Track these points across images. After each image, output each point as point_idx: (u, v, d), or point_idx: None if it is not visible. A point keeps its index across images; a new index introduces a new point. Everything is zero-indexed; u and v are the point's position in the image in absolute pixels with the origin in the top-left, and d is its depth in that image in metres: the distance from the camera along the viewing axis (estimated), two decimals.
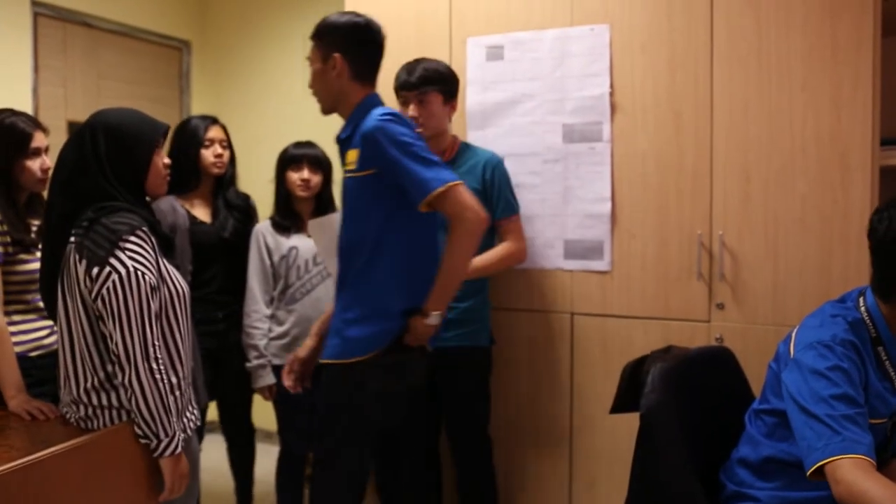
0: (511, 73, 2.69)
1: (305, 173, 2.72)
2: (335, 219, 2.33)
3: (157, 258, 1.73)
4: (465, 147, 2.56)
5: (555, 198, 2.63)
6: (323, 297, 2.68)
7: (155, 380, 1.64)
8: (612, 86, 2.55)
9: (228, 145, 2.83)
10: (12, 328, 2.08)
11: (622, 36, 2.54)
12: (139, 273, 1.63)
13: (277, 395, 2.74)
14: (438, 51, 2.79)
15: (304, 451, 2.84)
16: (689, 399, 1.76)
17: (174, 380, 1.77)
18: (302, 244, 2.73)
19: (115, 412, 1.74)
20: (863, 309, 1.59)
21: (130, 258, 1.64)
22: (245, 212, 2.87)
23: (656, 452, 1.59)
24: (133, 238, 1.66)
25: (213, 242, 2.72)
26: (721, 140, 2.42)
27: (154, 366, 1.64)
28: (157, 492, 1.76)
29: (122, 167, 1.77)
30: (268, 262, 2.73)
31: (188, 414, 1.86)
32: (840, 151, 2.28)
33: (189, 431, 1.84)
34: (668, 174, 2.49)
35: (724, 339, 2.40)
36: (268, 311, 2.74)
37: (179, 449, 1.70)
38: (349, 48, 2.05)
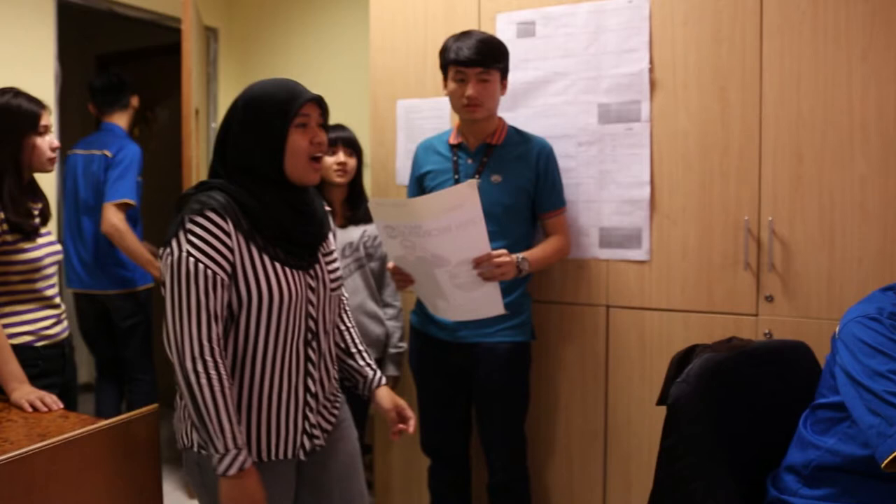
0: (543, 50, 2.53)
1: (342, 156, 2.52)
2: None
3: (240, 249, 1.48)
4: (515, 131, 2.37)
5: (589, 182, 2.46)
6: (351, 292, 2.51)
7: (200, 383, 1.41)
8: (651, 62, 2.37)
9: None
10: (16, 318, 2.02)
11: (662, 8, 2.36)
12: (191, 260, 1.43)
13: None
14: (467, 27, 2.65)
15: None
16: (738, 395, 1.60)
17: (246, 394, 1.53)
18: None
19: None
20: None
21: (189, 241, 1.44)
22: None
23: (680, 447, 1.43)
24: (199, 219, 1.45)
25: None
26: (770, 118, 2.23)
27: (200, 367, 1.41)
28: (155, 491, 1.68)
29: (250, 144, 1.54)
30: None
31: (274, 438, 1.57)
32: None
33: (271, 457, 1.56)
34: (712, 156, 2.30)
35: (774, 335, 2.21)
36: None
37: (235, 471, 1.42)
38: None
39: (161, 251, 1.49)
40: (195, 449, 1.54)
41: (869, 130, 2.11)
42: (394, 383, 2.64)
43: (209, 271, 1.43)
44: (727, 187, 2.29)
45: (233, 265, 1.47)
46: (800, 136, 2.19)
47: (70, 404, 2.13)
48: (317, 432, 1.64)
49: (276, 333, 1.53)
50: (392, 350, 2.64)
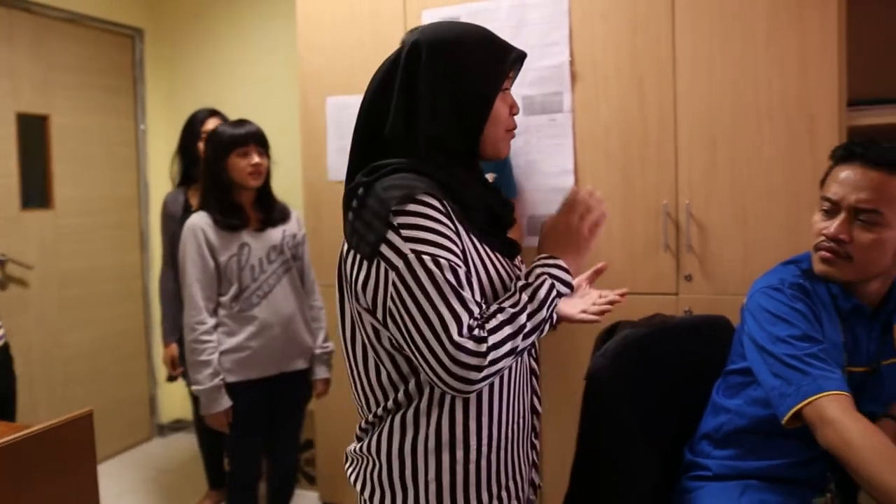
0: None
1: (255, 157, 2.31)
2: None
3: (461, 239, 1.11)
4: None
5: (517, 173, 2.53)
6: (283, 299, 2.39)
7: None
8: (571, 55, 2.46)
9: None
10: None
11: (581, 2, 2.45)
12: (426, 259, 1.05)
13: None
14: (393, 25, 2.70)
15: (257, 480, 2.50)
16: (657, 369, 1.68)
17: (487, 438, 1.18)
18: (253, 240, 2.35)
19: (374, 475, 1.19)
20: None
21: (409, 238, 1.06)
22: None
23: (597, 419, 1.51)
24: (412, 206, 1.07)
25: None
26: (685, 107, 2.34)
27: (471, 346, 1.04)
28: (92, 494, 1.67)
29: (448, 110, 1.17)
30: (212, 263, 2.30)
31: (503, 492, 1.21)
32: (807, 114, 2.21)
33: None
34: (631, 144, 2.41)
35: (694, 312, 2.33)
36: (213, 322, 2.33)
37: None
38: None
39: (354, 272, 1.12)
40: None
41: (774, 117, 2.24)
42: (325, 386, 2.57)
43: (453, 265, 1.05)
44: (646, 174, 2.39)
45: (463, 260, 1.09)
46: (712, 124, 2.31)
47: (7, 414, 2.08)
48: (535, 475, 1.35)
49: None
50: (319, 351, 2.53)
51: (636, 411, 1.57)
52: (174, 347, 2.88)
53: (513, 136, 1.26)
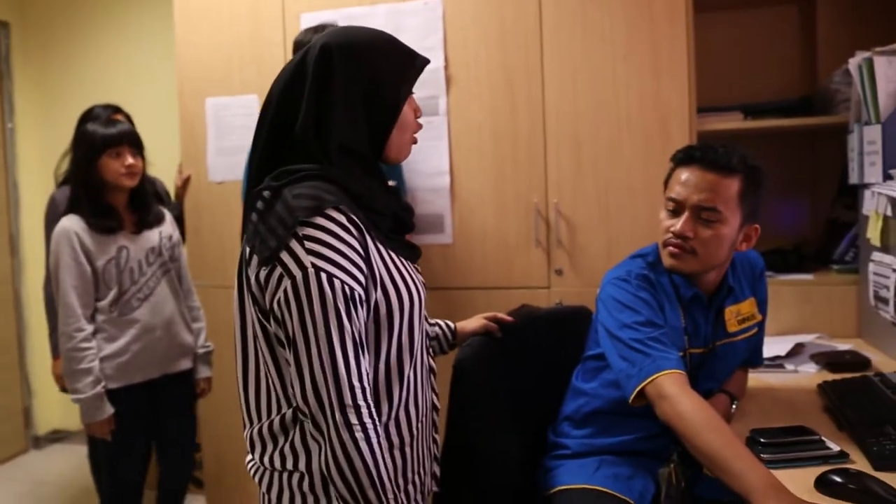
0: None
1: (129, 158, 2.26)
2: None
3: (368, 252, 1.14)
4: None
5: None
6: (163, 301, 2.38)
7: (356, 441, 1.05)
8: (446, 59, 2.56)
9: None
10: None
11: (454, 9, 2.55)
12: (323, 276, 1.06)
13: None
14: (272, 28, 2.72)
15: (143, 478, 2.46)
16: (522, 357, 1.79)
17: (396, 438, 1.22)
18: (131, 243, 2.32)
19: (293, 484, 1.17)
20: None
21: (311, 252, 1.07)
22: (156, 197, 2.63)
23: (462, 406, 1.60)
24: (320, 220, 1.08)
25: None
26: (552, 110, 2.48)
27: (354, 419, 1.06)
28: None
29: (359, 115, 1.18)
30: (88, 268, 2.23)
31: (410, 486, 1.26)
32: (661, 119, 2.39)
33: None
34: (503, 145, 2.53)
35: (564, 303, 2.47)
36: (91, 328, 2.26)
37: None
38: None
39: (259, 271, 1.11)
40: None
41: (632, 119, 2.42)
42: (208, 384, 2.57)
43: (346, 288, 1.07)
44: (518, 173, 2.52)
45: (366, 275, 1.12)
46: (577, 126, 2.46)
47: None
48: (436, 467, 1.39)
49: (413, 348, 1.23)
50: (201, 350, 2.53)
51: (501, 397, 1.67)
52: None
53: (415, 142, 1.29)
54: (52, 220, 2.61)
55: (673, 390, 1.39)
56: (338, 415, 1.05)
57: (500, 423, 1.65)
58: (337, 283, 1.06)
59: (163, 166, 3.01)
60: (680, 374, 1.43)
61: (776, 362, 2.01)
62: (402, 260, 1.23)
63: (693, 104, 2.38)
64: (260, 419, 1.21)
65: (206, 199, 2.87)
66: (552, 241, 2.50)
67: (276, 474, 1.19)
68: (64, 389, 2.68)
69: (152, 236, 2.38)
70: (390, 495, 1.08)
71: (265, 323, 1.14)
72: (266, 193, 1.14)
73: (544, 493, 1.68)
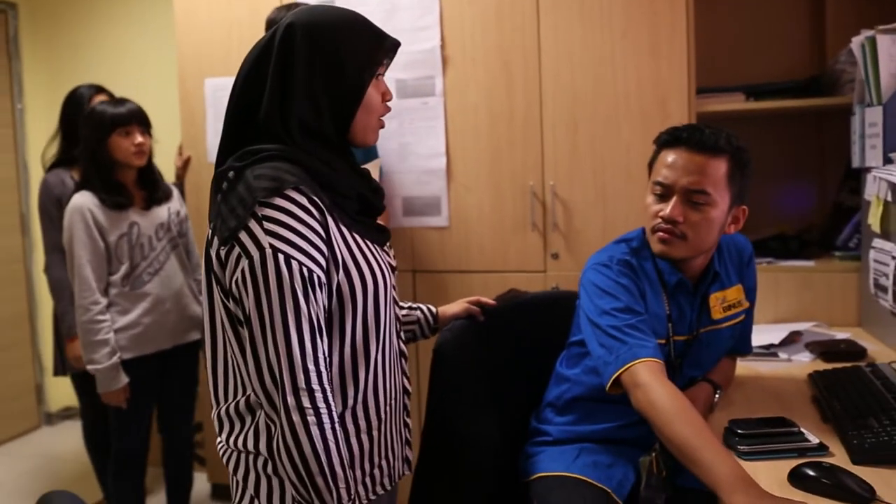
0: None
1: (138, 136, 2.32)
2: None
3: (331, 233, 1.13)
4: None
5: (391, 154, 2.59)
6: (173, 275, 2.45)
7: (307, 425, 1.04)
8: (442, 39, 2.52)
9: None
10: None
11: None
12: (280, 258, 1.05)
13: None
14: (270, 6, 2.69)
15: (144, 454, 2.54)
16: (506, 342, 1.78)
17: (364, 422, 1.21)
18: (141, 219, 2.38)
19: (258, 466, 1.17)
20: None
21: (269, 232, 1.06)
22: None
23: (443, 390, 1.59)
24: (278, 201, 1.07)
25: None
26: (549, 91, 2.44)
27: (307, 402, 1.05)
28: None
29: (321, 95, 1.17)
30: (102, 243, 2.30)
31: (376, 470, 1.26)
32: (660, 99, 2.34)
33: (371, 496, 1.24)
34: (499, 127, 2.49)
35: (560, 288, 2.44)
36: (105, 301, 2.33)
37: None
38: None
39: (220, 251, 1.11)
40: None
41: (631, 101, 2.37)
42: None
43: (304, 269, 1.07)
44: (514, 156, 2.49)
45: (327, 257, 1.11)
46: (575, 107, 2.42)
47: None
48: (409, 451, 1.38)
49: (380, 332, 1.22)
50: None
51: (483, 381, 1.66)
52: None
53: (382, 125, 1.27)
54: (45, 202, 2.65)
55: (647, 378, 1.36)
56: (290, 397, 1.04)
57: (480, 406, 1.63)
58: (294, 264, 1.06)
59: (165, 147, 3.01)
60: (656, 362, 1.40)
61: (769, 350, 1.97)
62: (368, 242, 1.21)
63: (693, 84, 2.32)
64: (227, 399, 1.21)
65: (206, 179, 2.87)
66: (548, 224, 2.47)
67: (241, 455, 1.19)
68: (76, 373, 2.68)
69: (161, 212, 2.45)
70: (341, 484, 1.07)
71: (226, 303, 1.14)
72: (230, 174, 1.13)
73: (524, 479, 1.67)
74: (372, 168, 2.14)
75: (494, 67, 2.48)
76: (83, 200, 2.30)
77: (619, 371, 1.41)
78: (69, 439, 3.90)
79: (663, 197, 1.56)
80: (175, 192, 2.55)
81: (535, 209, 2.47)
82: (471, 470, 1.59)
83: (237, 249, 1.07)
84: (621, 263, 1.58)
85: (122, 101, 2.39)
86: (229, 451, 1.21)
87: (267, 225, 1.06)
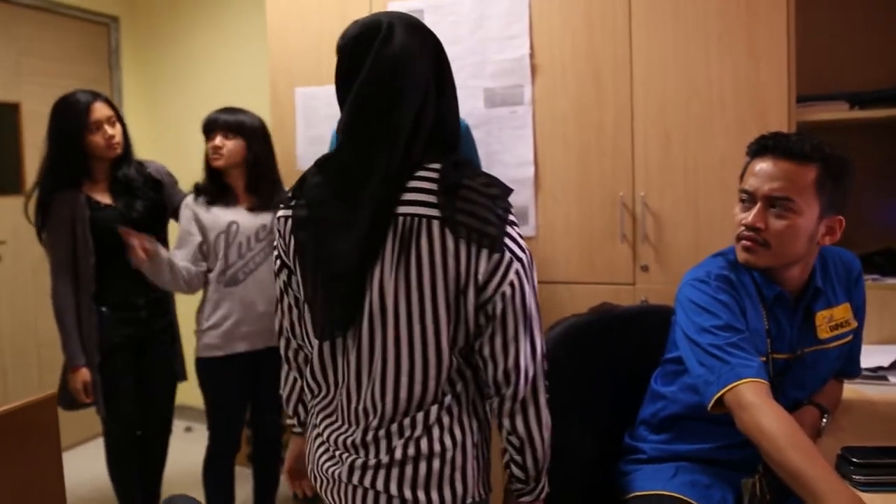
0: None
1: (218, 140, 2.44)
2: None
3: None
4: None
5: (478, 164, 2.58)
6: (266, 278, 2.49)
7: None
8: (531, 47, 2.51)
9: (118, 119, 2.56)
10: None
11: None
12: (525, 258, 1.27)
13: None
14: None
15: (237, 447, 2.63)
16: (599, 357, 1.75)
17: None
18: (242, 218, 2.49)
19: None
20: None
21: (520, 236, 1.27)
22: (150, 184, 2.63)
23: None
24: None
25: (121, 224, 2.42)
26: (640, 99, 2.39)
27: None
28: (57, 476, 1.72)
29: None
30: (199, 238, 2.45)
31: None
32: (758, 108, 2.26)
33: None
34: (588, 136, 2.46)
35: (650, 301, 2.39)
36: (195, 269, 2.45)
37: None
38: None
39: (490, 258, 1.20)
40: None
41: (726, 108, 2.29)
42: None
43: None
44: (603, 165, 2.45)
45: None
46: (666, 115, 2.36)
47: None
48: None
49: None
50: None
51: (572, 394, 1.63)
52: (85, 372, 2.46)
53: None
54: (57, 223, 2.49)
55: (753, 399, 1.32)
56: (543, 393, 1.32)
57: (570, 419, 1.60)
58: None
59: None
60: (761, 383, 1.35)
61: (878, 374, 1.88)
62: None
63: (793, 92, 2.23)
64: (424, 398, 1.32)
65: None
66: (638, 236, 2.42)
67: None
68: (80, 405, 2.53)
69: (266, 217, 2.53)
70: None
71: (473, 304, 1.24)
72: (466, 182, 1.21)
73: (621, 497, 1.64)
74: None
75: (584, 75, 2.44)
76: (192, 198, 2.53)
77: (722, 391, 1.37)
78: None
79: (748, 205, 1.53)
80: None
81: (624, 220, 2.42)
82: (561, 482, 1.57)
83: (508, 255, 1.21)
84: (719, 279, 1.53)
85: (226, 109, 2.52)
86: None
87: (517, 229, 1.27)
